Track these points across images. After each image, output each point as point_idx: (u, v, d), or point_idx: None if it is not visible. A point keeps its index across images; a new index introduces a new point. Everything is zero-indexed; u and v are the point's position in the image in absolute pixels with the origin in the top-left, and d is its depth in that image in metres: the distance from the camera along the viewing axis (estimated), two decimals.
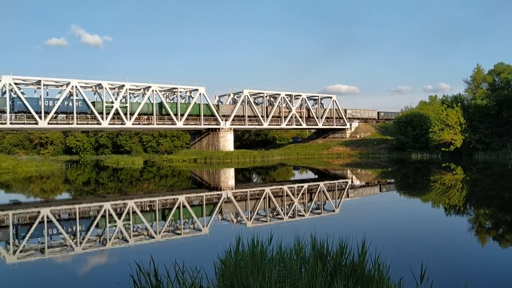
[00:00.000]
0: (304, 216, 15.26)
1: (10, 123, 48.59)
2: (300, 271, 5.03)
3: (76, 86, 52.84)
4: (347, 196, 21.11)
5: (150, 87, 58.49)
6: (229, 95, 69.66)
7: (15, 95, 49.24)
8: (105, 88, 54.97)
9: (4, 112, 48.02)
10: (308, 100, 73.78)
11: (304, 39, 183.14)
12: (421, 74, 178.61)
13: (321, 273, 4.59)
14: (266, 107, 69.13)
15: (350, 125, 79.06)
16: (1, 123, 48.55)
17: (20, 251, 10.68)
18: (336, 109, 76.75)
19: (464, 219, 14.48)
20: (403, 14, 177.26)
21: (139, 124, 58.28)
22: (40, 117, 49.75)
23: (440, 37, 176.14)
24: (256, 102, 71.12)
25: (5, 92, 48.72)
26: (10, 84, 48.54)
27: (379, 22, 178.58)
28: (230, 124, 64.42)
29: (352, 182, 29.43)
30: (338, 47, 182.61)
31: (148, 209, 18.47)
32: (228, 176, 37.13)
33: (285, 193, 22.52)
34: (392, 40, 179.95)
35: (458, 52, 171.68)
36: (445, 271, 7.83)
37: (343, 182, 28.81)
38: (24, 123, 50.05)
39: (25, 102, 49.16)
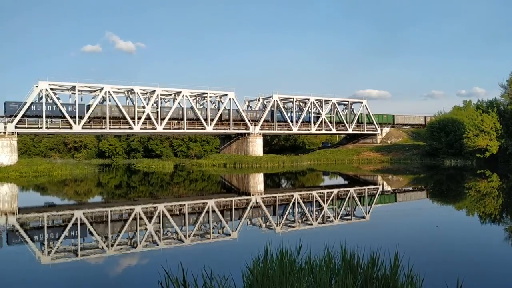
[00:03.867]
0: (333, 222, 15.06)
1: (46, 128, 50.15)
2: (330, 283, 4.91)
3: (109, 92, 54.14)
4: (378, 202, 20.72)
5: (180, 92, 59.30)
6: (258, 100, 69.80)
7: (51, 101, 50.83)
8: (137, 93, 56.07)
9: (40, 116, 49.62)
10: (338, 105, 73.09)
11: (338, 44, 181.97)
12: (454, 78, 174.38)
13: (352, 286, 4.46)
14: (296, 112, 68.89)
15: (381, 130, 77.83)
16: (37, 127, 50.19)
17: (54, 252, 10.93)
18: (366, 114, 75.74)
19: (501, 228, 13.94)
20: (439, 19, 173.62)
21: (169, 128, 59.11)
22: (75, 122, 51.13)
23: (475, 41, 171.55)
24: (286, 107, 70.98)
25: (41, 98, 50.36)
26: (46, 90, 50.17)
27: (414, 26, 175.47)
28: (260, 129, 64.50)
29: (383, 188, 28.89)
30: (373, 52, 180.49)
31: (178, 213, 18.64)
32: (257, 181, 37.11)
33: (314, 199, 22.31)
34: (426, 44, 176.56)
35: (493, 55, 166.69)
36: (483, 285, 7.50)
37: (373, 188, 28.32)
38: (59, 128, 51.56)
39: (61, 107, 50.66)
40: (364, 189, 28.33)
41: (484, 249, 10.79)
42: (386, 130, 78.78)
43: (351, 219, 15.91)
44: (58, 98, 52.17)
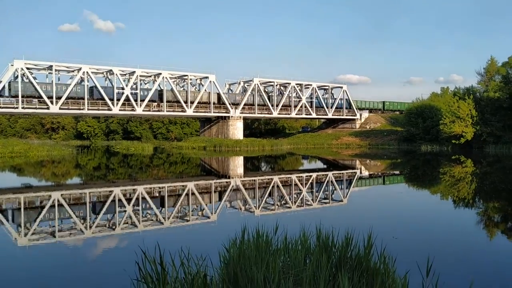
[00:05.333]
0: (312, 205, 15.28)
1: (22, 108, 49.04)
2: (305, 262, 5.04)
3: (87, 72, 53.11)
4: (356, 186, 21.07)
5: (160, 74, 58.58)
6: (239, 84, 69.53)
7: (28, 80, 49.61)
8: (116, 74, 55.16)
9: (16, 96, 48.44)
10: (318, 89, 73.36)
11: (320, 29, 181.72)
12: (433, 65, 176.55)
13: (326, 264, 4.59)
14: (276, 96, 68.91)
15: (360, 115, 78.62)
16: (13, 107, 49.04)
17: (32, 234, 10.83)
18: (346, 99, 76.29)
19: (473, 212, 14.38)
20: (421, 7, 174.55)
21: (149, 110, 58.51)
22: (52, 102, 50.11)
23: (455, 30, 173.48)
24: (267, 91, 70.91)
25: (17, 77, 49.10)
26: (22, 69, 48.91)
27: (396, 14, 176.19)
28: (240, 113, 64.38)
29: (361, 172, 29.34)
30: (354, 38, 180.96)
31: (157, 195, 18.61)
32: (237, 164, 37.21)
33: (293, 182, 22.54)
34: (406, 32, 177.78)
35: (471, 43, 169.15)
36: (452, 265, 7.80)
37: (352, 173, 28.73)
38: (35, 108, 50.48)
39: (37, 86, 49.53)
40: (342, 173, 28.72)
41: (455, 231, 11.14)
42: (365, 115, 79.60)
43: (329, 203, 16.16)
44: (35, 78, 50.95)
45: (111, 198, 17.32)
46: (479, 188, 20.63)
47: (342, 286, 4.20)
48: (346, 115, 76.87)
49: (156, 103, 58.79)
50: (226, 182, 23.14)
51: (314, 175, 26.73)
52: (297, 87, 70.04)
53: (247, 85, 67.69)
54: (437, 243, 9.73)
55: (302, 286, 4.45)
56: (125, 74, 57.61)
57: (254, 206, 15.01)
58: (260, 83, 67.20)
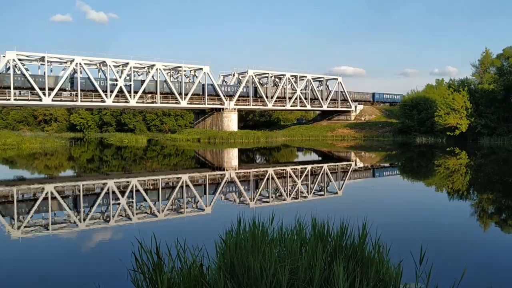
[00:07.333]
0: (306, 197, 15.31)
1: (14, 99, 48.62)
2: (301, 251, 5.07)
3: (80, 63, 52.67)
4: (351, 178, 21.14)
5: (154, 65, 58.22)
6: (233, 75, 69.27)
7: (19, 71, 49.14)
8: (109, 65, 54.76)
9: (8, 87, 48.00)
10: (313, 81, 73.24)
11: (315, 20, 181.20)
12: (428, 57, 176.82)
13: (321, 253, 4.63)
14: (271, 88, 68.76)
15: (355, 107, 78.67)
16: (5, 99, 48.59)
17: (25, 227, 10.78)
18: (341, 91, 76.25)
19: (467, 203, 14.48)
20: None
21: (143, 102, 58.19)
22: (44, 94, 49.71)
23: (448, 20, 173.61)
24: (261, 82, 70.72)
25: (9, 68, 48.63)
26: (14, 60, 48.41)
27: (391, 5, 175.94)
28: (234, 104, 64.23)
29: (356, 164, 29.43)
30: (349, 30, 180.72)
31: (151, 187, 18.57)
32: (232, 156, 37.19)
33: (288, 175, 22.57)
34: (401, 23, 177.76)
35: (467, 35, 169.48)
36: (446, 254, 7.87)
37: (346, 165, 28.81)
38: (28, 100, 50.07)
39: (29, 78, 49.08)
40: (337, 165, 28.79)
41: (449, 221, 11.22)
42: (360, 107, 79.67)
43: (324, 195, 16.20)
44: (27, 69, 50.46)
45: (105, 191, 17.27)
46: (473, 180, 20.76)
47: (337, 274, 4.21)
48: (341, 107, 76.89)
49: (150, 95, 58.48)
50: (221, 174, 23.13)
51: (309, 167, 26.76)
52: (292, 78, 69.87)
53: (242, 77, 67.46)
54: (431, 233, 9.81)
55: (298, 274, 4.47)
56: (118, 66, 57.20)
57: (249, 198, 15.02)
58: (255, 75, 67.00)
